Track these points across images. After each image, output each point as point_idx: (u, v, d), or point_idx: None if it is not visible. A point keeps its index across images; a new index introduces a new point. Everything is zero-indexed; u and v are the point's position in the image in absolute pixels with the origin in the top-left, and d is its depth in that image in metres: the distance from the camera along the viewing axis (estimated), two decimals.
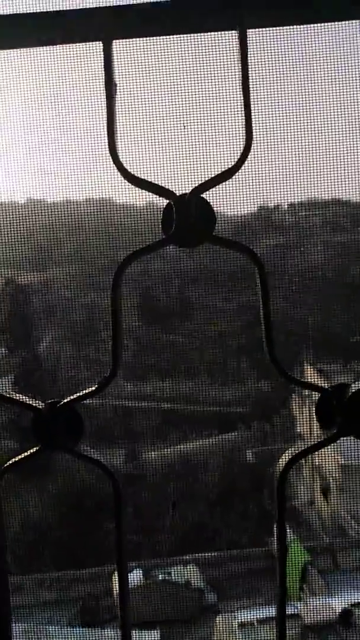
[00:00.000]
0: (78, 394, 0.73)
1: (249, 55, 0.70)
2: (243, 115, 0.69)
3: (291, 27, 0.76)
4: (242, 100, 0.70)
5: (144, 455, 27.39)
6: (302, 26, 0.77)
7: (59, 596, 13.61)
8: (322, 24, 0.75)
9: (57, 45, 0.70)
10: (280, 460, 0.72)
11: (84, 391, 0.73)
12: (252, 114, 0.69)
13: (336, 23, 0.74)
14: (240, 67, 0.70)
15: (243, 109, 0.70)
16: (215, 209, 0.72)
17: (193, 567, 14.10)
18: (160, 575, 13.60)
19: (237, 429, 32.19)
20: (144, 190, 0.70)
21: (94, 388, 0.72)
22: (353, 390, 0.72)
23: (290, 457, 0.70)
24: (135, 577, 13.00)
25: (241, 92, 0.68)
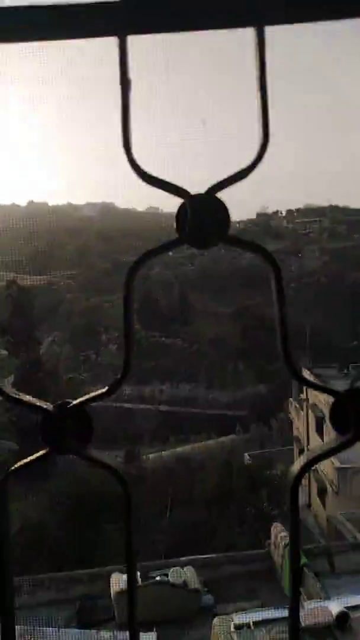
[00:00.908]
0: (89, 395, 0.71)
1: (266, 53, 0.69)
2: (259, 112, 0.67)
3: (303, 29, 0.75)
4: (259, 99, 0.68)
5: (143, 457, 27.38)
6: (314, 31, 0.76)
7: (56, 597, 13.57)
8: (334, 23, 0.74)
9: (70, 42, 0.69)
10: (295, 465, 0.71)
11: (95, 392, 0.71)
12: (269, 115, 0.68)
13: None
14: (257, 66, 0.69)
15: (259, 106, 0.68)
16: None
17: (190, 568, 14.07)
18: (157, 577, 13.56)
19: (235, 431, 32.24)
20: (157, 189, 0.69)
21: (105, 389, 0.71)
22: None
23: (304, 462, 0.69)
24: None
25: (258, 90, 0.67)
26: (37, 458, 0.72)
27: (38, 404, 0.72)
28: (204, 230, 0.68)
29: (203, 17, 0.66)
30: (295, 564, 0.72)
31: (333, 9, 0.67)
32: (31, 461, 0.75)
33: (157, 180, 0.69)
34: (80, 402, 0.70)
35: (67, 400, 0.72)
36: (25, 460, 0.75)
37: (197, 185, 0.74)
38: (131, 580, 0.72)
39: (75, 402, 0.71)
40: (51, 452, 0.72)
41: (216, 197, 0.68)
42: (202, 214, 0.66)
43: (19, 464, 0.74)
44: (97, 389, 0.71)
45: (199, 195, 0.69)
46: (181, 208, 0.67)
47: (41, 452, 0.73)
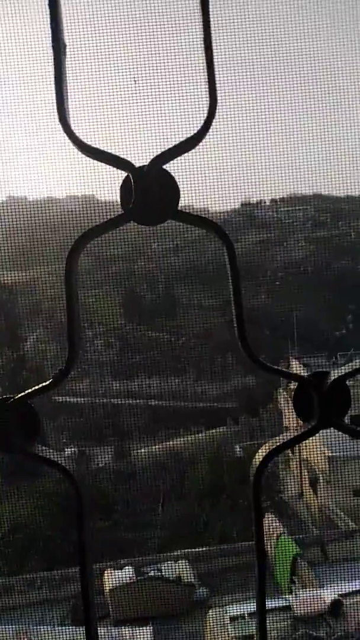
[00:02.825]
0: (32, 389, 0.66)
1: (211, 15, 0.63)
2: (206, 77, 0.62)
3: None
4: (205, 62, 0.63)
5: (133, 452, 27.35)
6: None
7: (49, 596, 13.53)
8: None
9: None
10: (257, 455, 0.66)
11: (38, 385, 0.66)
12: (218, 82, 0.62)
13: None
14: (202, 26, 0.63)
15: (206, 71, 0.63)
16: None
17: (184, 562, 14.09)
18: (151, 572, 13.56)
19: (225, 424, 32.28)
20: (98, 162, 0.63)
21: (48, 382, 0.65)
22: (332, 378, 0.66)
23: (266, 452, 0.64)
24: (126, 573, 12.95)
25: (204, 51, 0.62)
26: None
27: None
28: (150, 205, 0.62)
29: None
30: (260, 545, 0.67)
31: None
32: None
33: (97, 151, 0.63)
34: (23, 396, 0.65)
35: (10, 395, 0.67)
36: None
37: (142, 158, 0.69)
38: (85, 580, 0.67)
39: (17, 396, 0.66)
40: None
41: (163, 169, 0.63)
42: (148, 187, 0.61)
43: None
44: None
45: (144, 167, 0.63)
46: (125, 181, 0.62)
47: None
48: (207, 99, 0.64)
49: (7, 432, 0.65)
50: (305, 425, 0.66)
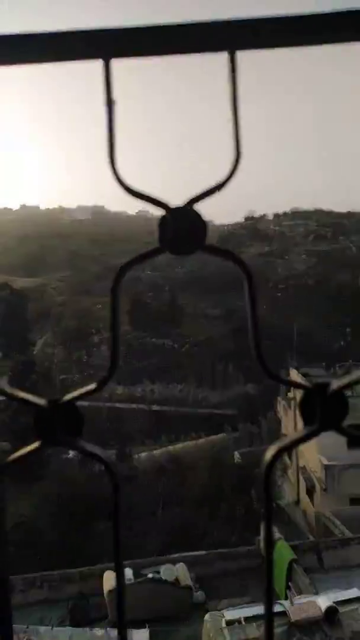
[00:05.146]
0: (78, 392, 0.77)
1: (239, 76, 0.75)
2: (232, 131, 0.74)
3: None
4: (232, 120, 0.75)
5: (134, 456, 27.41)
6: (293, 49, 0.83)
7: (48, 596, 13.59)
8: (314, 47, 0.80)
9: (60, 63, 0.75)
10: (267, 453, 0.77)
11: (84, 389, 0.77)
12: (242, 129, 0.74)
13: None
14: (230, 88, 0.75)
15: (233, 127, 0.75)
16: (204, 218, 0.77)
17: (182, 565, 14.14)
18: (149, 574, 13.61)
19: (224, 430, 32.34)
20: (140, 201, 0.75)
21: (94, 386, 0.77)
22: (333, 388, 0.77)
23: (276, 450, 0.75)
24: (125, 575, 12.99)
25: (230, 111, 0.74)
26: (31, 450, 0.78)
27: (32, 399, 0.78)
28: (183, 240, 0.74)
29: (180, 42, 0.72)
30: (269, 552, 0.77)
31: (302, 37, 0.74)
32: (26, 453, 0.80)
33: (140, 194, 0.75)
34: (71, 398, 0.77)
35: (58, 397, 0.78)
36: (19, 453, 0.81)
37: (177, 198, 0.81)
38: (119, 575, 0.77)
39: (66, 397, 0.77)
40: (44, 444, 0.78)
41: (194, 209, 0.75)
42: (181, 224, 0.73)
43: (14, 455, 0.80)
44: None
45: (179, 207, 0.75)
46: (162, 219, 0.74)
47: (35, 444, 0.78)
48: (233, 150, 0.76)
49: (56, 428, 0.77)
50: (308, 428, 0.77)
